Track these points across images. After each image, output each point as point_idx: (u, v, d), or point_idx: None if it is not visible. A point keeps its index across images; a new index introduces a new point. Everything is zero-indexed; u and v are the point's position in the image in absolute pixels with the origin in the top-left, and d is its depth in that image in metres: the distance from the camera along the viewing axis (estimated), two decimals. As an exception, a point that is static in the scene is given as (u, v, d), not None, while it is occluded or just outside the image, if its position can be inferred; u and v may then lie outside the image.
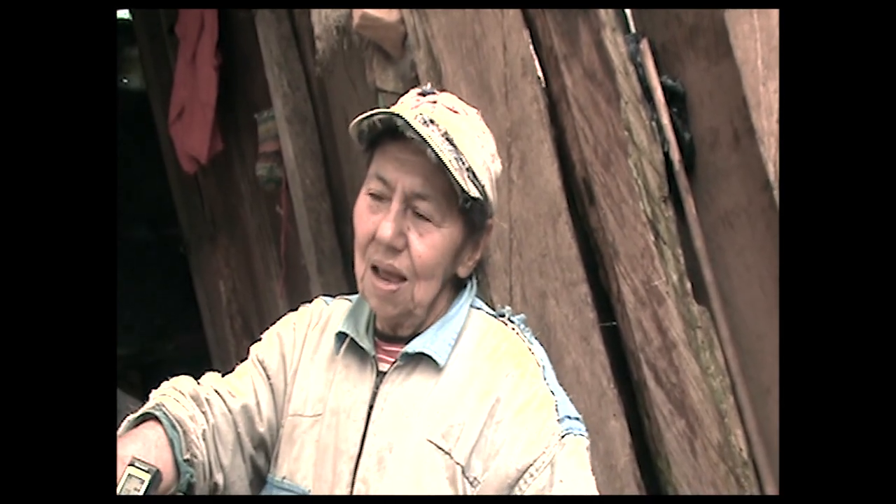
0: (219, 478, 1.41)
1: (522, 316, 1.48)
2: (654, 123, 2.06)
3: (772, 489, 1.95)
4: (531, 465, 1.30)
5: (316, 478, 1.39)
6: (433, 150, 1.30)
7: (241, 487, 1.44)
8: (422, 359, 1.39)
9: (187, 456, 1.35)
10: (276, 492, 1.43)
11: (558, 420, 1.34)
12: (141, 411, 1.39)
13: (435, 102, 1.39)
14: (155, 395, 1.42)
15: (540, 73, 2.12)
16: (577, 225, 2.09)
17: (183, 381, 1.46)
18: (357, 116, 1.36)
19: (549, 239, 2.10)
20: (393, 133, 1.35)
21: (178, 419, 1.37)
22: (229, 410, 1.44)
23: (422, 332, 1.41)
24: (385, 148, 1.38)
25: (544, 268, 2.11)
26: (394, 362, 1.40)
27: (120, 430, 1.38)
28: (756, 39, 1.79)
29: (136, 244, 6.24)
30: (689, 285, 2.02)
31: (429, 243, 1.34)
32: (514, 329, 1.45)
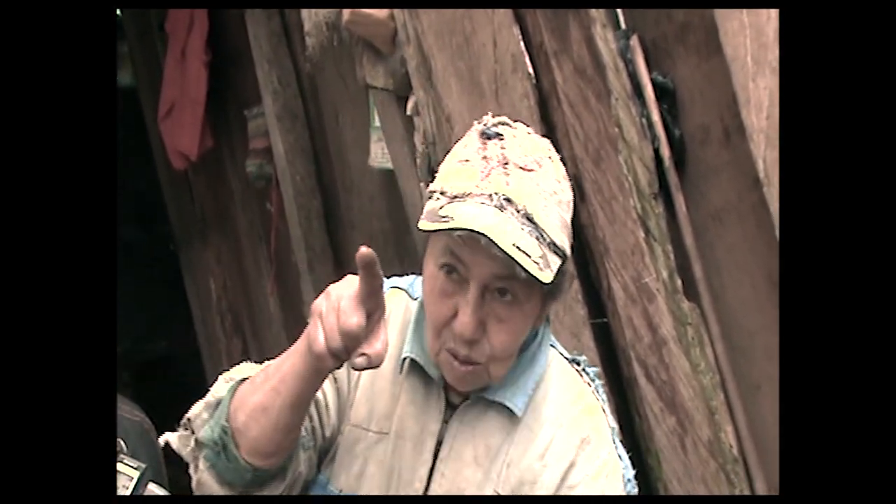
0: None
1: (597, 369, 1.43)
2: (644, 120, 2.06)
3: (761, 485, 1.96)
4: None
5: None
6: (522, 268, 1.19)
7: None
8: (496, 402, 1.34)
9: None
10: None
11: (623, 486, 1.34)
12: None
13: (507, 164, 1.24)
14: (224, 379, 1.35)
15: (530, 70, 2.11)
16: (567, 222, 2.09)
17: (249, 367, 1.37)
18: (427, 222, 1.23)
19: (540, 236, 2.10)
20: None
21: None
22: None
23: None
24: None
25: (535, 265, 2.11)
26: (466, 398, 1.34)
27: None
28: (746, 36, 1.79)
29: (126, 242, 6.21)
30: (679, 282, 2.02)
31: (509, 329, 1.25)
32: (588, 383, 1.40)
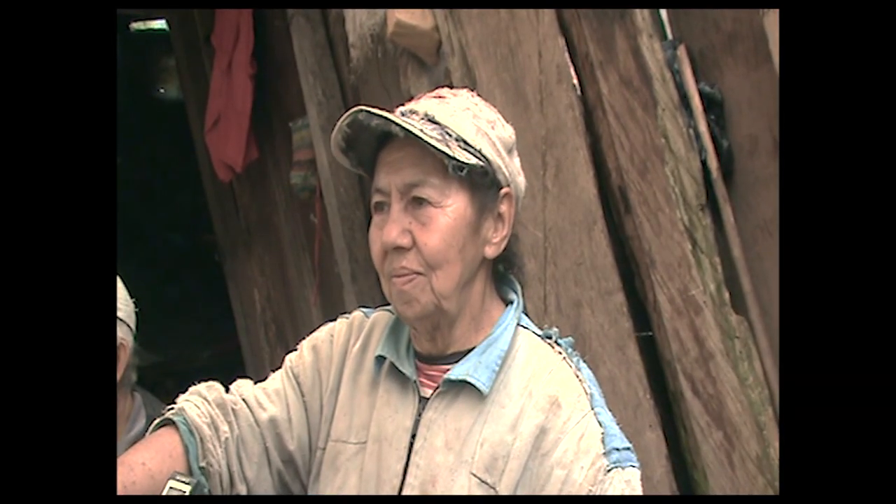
0: (241, 489, 1.38)
1: (570, 339, 1.41)
2: (691, 131, 2.03)
3: None
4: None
5: None
6: (395, 123, 1.28)
7: None
8: (465, 385, 1.33)
9: (202, 464, 1.34)
10: None
11: (604, 453, 1.28)
12: (162, 417, 1.39)
13: (418, 100, 1.38)
14: (179, 400, 1.41)
15: (575, 81, 2.11)
16: (612, 233, 2.07)
17: (210, 388, 1.44)
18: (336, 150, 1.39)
19: (585, 247, 2.08)
20: (379, 144, 1.35)
21: (196, 426, 1.35)
22: (256, 422, 1.41)
23: (461, 349, 1.36)
24: (376, 164, 1.37)
25: (579, 276, 2.09)
26: (436, 388, 1.35)
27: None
28: (796, 45, 1.77)
29: (173, 252, 6.32)
30: (726, 295, 1.99)
31: (433, 228, 1.30)
32: (560, 353, 1.38)
